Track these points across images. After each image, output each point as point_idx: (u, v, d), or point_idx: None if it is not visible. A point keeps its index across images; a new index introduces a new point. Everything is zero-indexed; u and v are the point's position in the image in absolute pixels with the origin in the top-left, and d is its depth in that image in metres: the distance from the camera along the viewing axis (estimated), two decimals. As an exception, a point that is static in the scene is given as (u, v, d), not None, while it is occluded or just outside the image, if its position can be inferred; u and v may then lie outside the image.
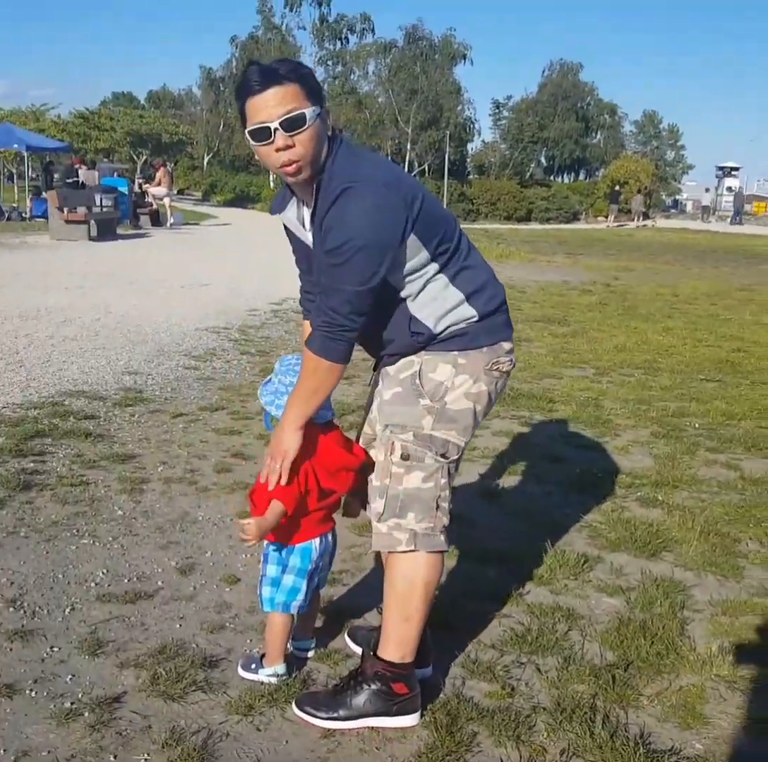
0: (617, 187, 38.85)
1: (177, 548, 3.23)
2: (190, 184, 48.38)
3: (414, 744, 2.17)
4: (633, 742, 2.14)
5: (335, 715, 2.21)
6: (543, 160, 57.53)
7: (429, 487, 2.17)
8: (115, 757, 2.05)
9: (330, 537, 2.39)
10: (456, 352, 2.15)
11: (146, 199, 21.21)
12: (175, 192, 31.61)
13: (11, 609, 2.70)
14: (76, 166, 21.05)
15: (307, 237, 2.16)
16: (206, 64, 55.27)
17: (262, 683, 2.36)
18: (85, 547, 3.19)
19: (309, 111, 1.95)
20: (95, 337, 7.14)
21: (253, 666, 2.40)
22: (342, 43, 42.10)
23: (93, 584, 2.91)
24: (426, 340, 2.15)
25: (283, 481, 2.14)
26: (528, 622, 2.77)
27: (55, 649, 2.50)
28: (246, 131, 1.99)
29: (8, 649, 2.48)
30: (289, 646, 2.46)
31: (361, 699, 2.22)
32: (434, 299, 2.12)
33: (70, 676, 2.37)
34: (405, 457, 2.16)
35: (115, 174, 24.35)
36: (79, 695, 2.28)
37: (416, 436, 2.15)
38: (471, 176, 46.25)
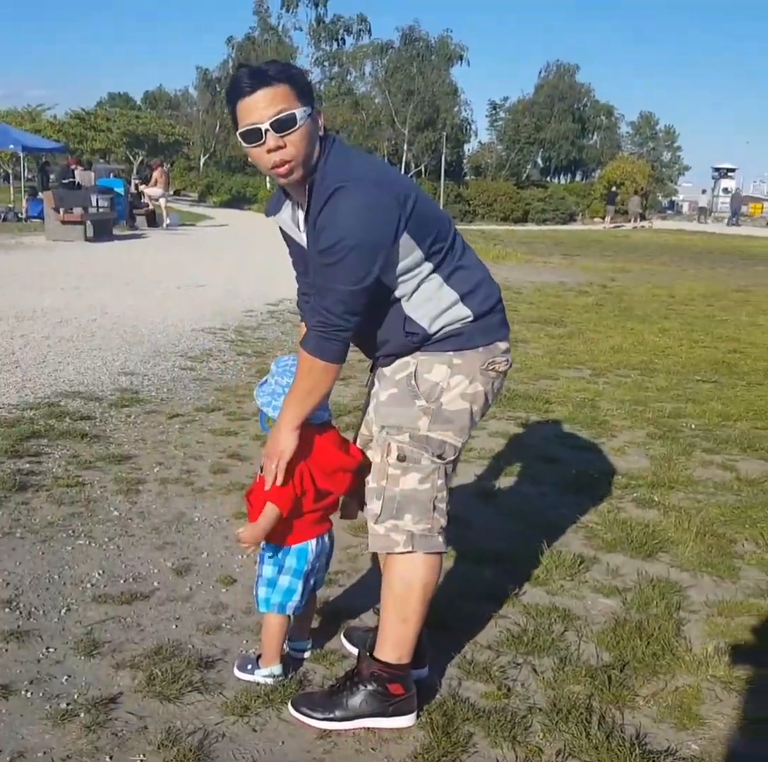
0: (614, 189, 38.96)
1: (173, 549, 3.23)
2: (187, 185, 48.30)
3: (410, 745, 2.17)
4: (629, 743, 2.15)
5: (331, 715, 2.21)
6: (539, 161, 57.58)
7: (426, 488, 2.17)
8: (110, 757, 2.05)
9: (327, 538, 2.39)
10: (451, 353, 2.15)
11: (142, 200, 21.19)
12: (172, 193, 31.62)
13: (7, 610, 2.70)
14: (73, 166, 21.03)
15: (302, 238, 2.15)
16: (203, 64, 55.17)
17: (258, 684, 2.36)
18: (81, 548, 3.18)
19: (299, 111, 1.95)
20: (91, 337, 7.13)
21: (250, 667, 2.40)
22: (338, 44, 42.22)
23: (89, 585, 2.90)
24: (421, 341, 2.14)
25: (279, 482, 2.14)
26: (524, 622, 2.78)
27: (51, 649, 2.50)
28: (238, 133, 1.99)
29: (4, 649, 2.48)
30: (285, 646, 2.45)
31: (357, 700, 2.22)
32: (429, 299, 2.12)
33: (65, 677, 2.36)
34: (401, 458, 2.15)
35: (112, 175, 24.27)
36: (75, 696, 2.28)
37: (412, 438, 2.15)
38: (468, 177, 46.23)
